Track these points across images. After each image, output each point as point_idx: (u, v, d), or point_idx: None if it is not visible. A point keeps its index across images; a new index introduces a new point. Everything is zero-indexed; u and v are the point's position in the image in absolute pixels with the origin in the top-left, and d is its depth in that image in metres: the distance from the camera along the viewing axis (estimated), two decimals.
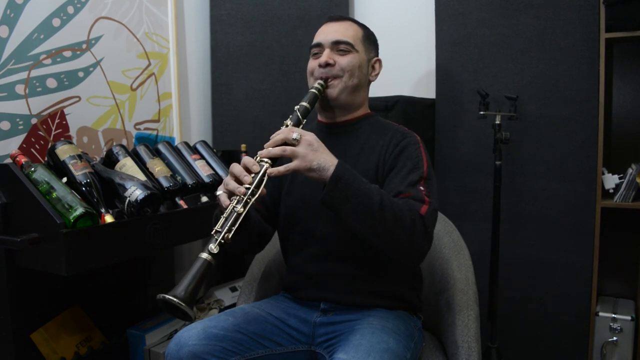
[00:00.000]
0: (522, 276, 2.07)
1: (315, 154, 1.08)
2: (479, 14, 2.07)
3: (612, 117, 2.08)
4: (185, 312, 0.95)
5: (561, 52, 1.95)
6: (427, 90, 2.28)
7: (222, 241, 1.03)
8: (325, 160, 1.08)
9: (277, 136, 1.11)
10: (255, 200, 1.07)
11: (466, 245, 1.52)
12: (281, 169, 1.07)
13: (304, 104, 1.22)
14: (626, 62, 2.06)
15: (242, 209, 1.05)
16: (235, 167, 1.10)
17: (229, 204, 1.06)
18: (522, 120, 2.01)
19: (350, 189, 1.07)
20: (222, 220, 1.05)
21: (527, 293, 2.07)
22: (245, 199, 1.05)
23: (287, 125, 1.17)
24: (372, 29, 1.39)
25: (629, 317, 1.90)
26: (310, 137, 1.10)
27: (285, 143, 1.10)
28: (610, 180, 1.97)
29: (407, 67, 2.35)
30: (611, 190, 1.97)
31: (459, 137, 2.15)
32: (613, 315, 1.92)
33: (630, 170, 1.92)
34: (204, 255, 1.01)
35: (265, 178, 1.08)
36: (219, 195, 1.11)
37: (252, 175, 1.08)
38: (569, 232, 1.98)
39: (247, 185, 1.06)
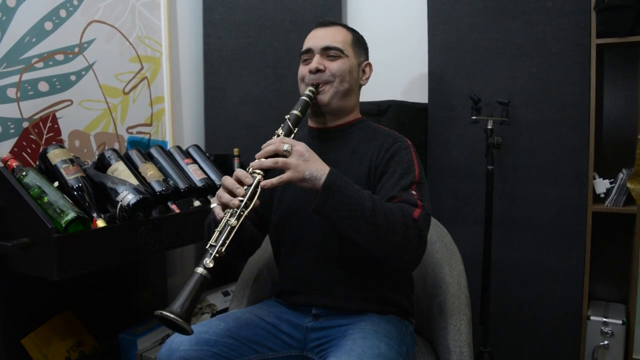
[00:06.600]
0: (514, 280, 2.08)
1: (306, 164, 1.08)
2: (471, 19, 2.08)
3: (603, 122, 2.10)
4: (183, 327, 0.95)
5: (553, 58, 1.97)
6: (419, 94, 2.28)
7: (217, 255, 1.03)
8: (316, 169, 1.08)
9: (268, 147, 1.11)
10: (248, 212, 1.07)
11: (458, 249, 1.52)
12: (274, 180, 1.07)
13: (295, 112, 1.22)
14: (617, 67, 2.08)
15: (235, 222, 1.05)
16: (228, 180, 1.10)
17: (223, 217, 1.07)
18: (514, 125, 2.02)
19: (342, 196, 1.07)
20: (216, 234, 1.05)
21: (519, 297, 2.07)
22: (238, 212, 1.06)
23: (278, 135, 1.17)
24: (364, 33, 1.40)
25: (620, 321, 1.91)
26: (301, 147, 1.10)
27: (276, 154, 1.10)
28: (601, 185, 1.99)
29: (400, 71, 2.35)
30: (602, 195, 1.98)
31: (451, 142, 2.16)
32: (604, 319, 1.93)
33: (621, 175, 1.93)
34: (200, 269, 1.00)
35: (259, 190, 1.08)
36: (213, 207, 1.11)
37: (245, 187, 1.08)
38: (561, 236, 1.99)
39: (240, 198, 1.06)
